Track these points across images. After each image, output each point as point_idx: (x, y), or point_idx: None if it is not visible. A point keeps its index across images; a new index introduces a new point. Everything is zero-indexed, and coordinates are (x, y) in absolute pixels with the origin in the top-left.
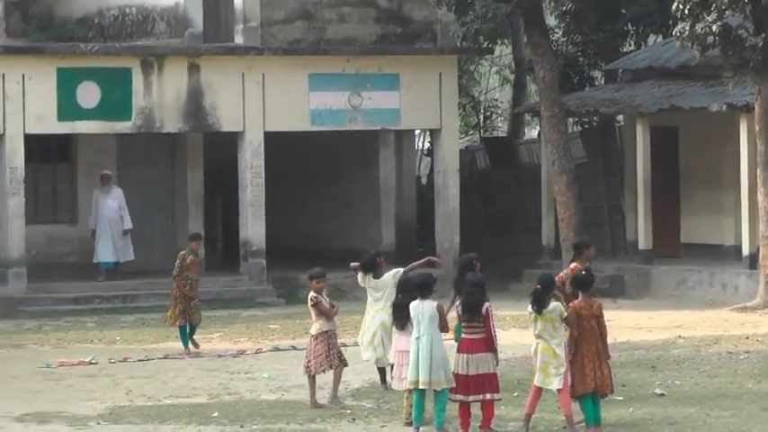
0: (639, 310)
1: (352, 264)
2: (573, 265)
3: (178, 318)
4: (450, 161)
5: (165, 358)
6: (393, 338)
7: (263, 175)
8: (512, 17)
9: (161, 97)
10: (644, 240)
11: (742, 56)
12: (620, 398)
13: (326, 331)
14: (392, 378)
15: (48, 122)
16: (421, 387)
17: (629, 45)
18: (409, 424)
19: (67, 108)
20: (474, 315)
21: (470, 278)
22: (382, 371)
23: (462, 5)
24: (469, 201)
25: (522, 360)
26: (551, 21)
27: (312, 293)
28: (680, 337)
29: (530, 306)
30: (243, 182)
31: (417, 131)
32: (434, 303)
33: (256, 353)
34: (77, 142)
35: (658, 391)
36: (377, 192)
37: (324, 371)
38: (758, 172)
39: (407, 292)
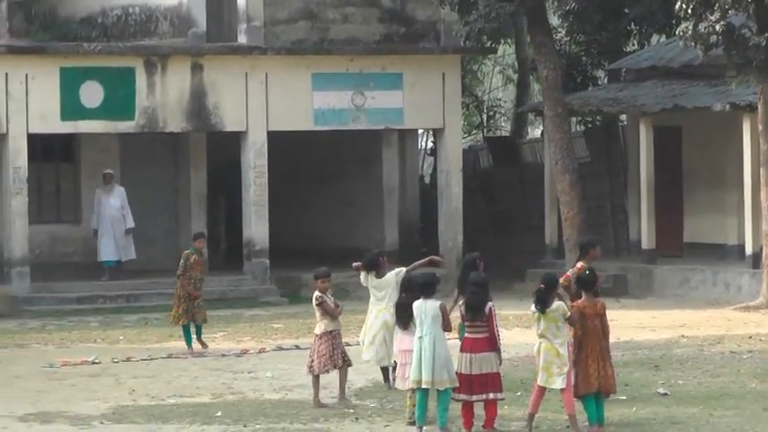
0: (642, 309)
1: (355, 263)
2: (579, 264)
3: (182, 317)
4: (453, 160)
5: (168, 358)
6: (396, 338)
7: (267, 175)
8: (515, 16)
9: (164, 97)
10: (647, 240)
11: (745, 55)
12: (624, 397)
13: (331, 331)
14: (395, 377)
15: (51, 122)
16: (424, 386)
17: (633, 44)
18: (412, 423)
19: (71, 108)
20: (477, 314)
21: (473, 277)
22: (385, 370)
23: (465, 5)
24: (472, 200)
25: (526, 359)
26: (554, 20)
27: (317, 293)
28: (683, 336)
29: (533, 305)
30: (246, 181)
31: (420, 131)
32: (437, 303)
33: (260, 352)
34: (80, 142)
35: (661, 390)
36: (380, 191)
37: (327, 371)
38: (761, 171)
39: (410, 291)
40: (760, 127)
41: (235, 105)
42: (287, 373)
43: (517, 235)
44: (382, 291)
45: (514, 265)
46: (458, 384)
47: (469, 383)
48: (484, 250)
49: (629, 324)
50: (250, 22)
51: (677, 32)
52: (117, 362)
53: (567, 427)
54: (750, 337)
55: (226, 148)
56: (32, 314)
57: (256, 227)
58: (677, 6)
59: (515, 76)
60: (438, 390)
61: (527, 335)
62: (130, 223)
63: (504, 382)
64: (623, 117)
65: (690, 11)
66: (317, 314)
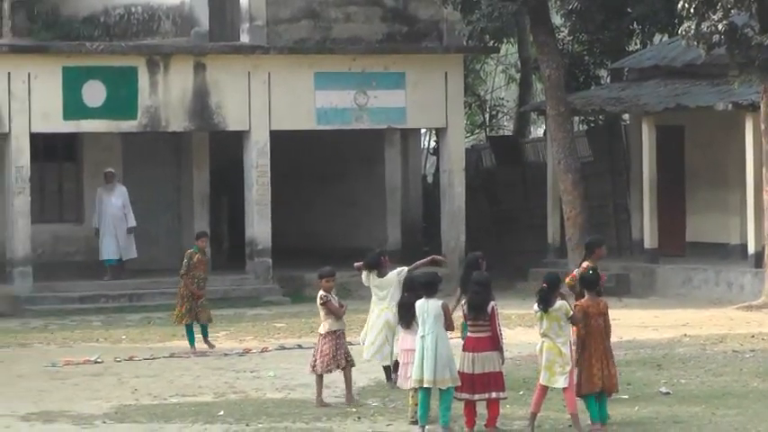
0: (645, 308)
1: (356, 263)
2: (585, 263)
3: (185, 316)
4: (455, 160)
5: (170, 357)
6: (399, 337)
7: (269, 174)
8: (518, 16)
9: (167, 96)
10: (650, 239)
11: (748, 54)
12: (626, 396)
13: (335, 331)
14: (397, 376)
15: (53, 121)
16: (426, 386)
17: (635, 44)
18: (415, 422)
19: (73, 107)
20: (480, 314)
21: (476, 277)
22: (387, 369)
23: (468, 4)
24: (475, 199)
25: (528, 359)
26: (557, 19)
27: (322, 292)
28: (685, 335)
29: (535, 304)
30: (249, 181)
31: (423, 130)
32: (439, 302)
33: (262, 351)
34: (83, 141)
35: (664, 389)
36: (382, 191)
37: (330, 371)
38: (764, 171)
39: (413, 290)
40: (762, 126)
41: (237, 105)
42: (289, 372)
43: (520, 234)
44: (384, 290)
45: (517, 265)
46: (460, 383)
47: (472, 383)
48: (486, 250)
49: (631, 323)
50: (253, 21)
51: (680, 32)
52: (119, 361)
53: (570, 426)
54: (752, 337)
55: (228, 147)
56: (35, 313)
57: (259, 226)
58: (680, 6)
59: (518, 76)
60: (440, 389)
61: (530, 334)
62: (132, 222)
63: (507, 381)
64: (626, 116)
65: (692, 10)
66: (322, 313)
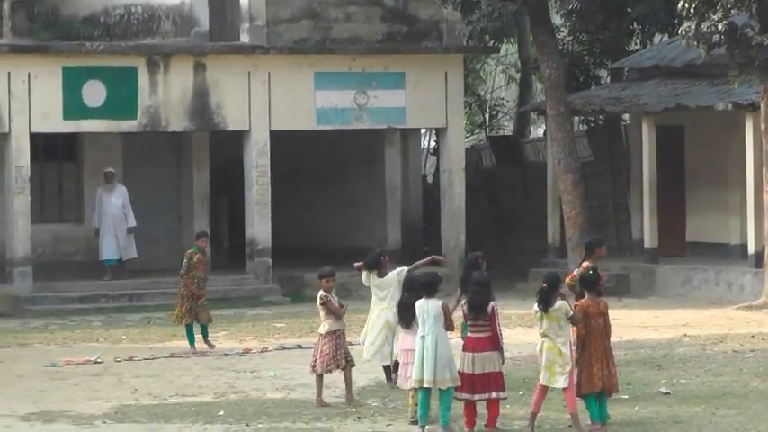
0: (645, 308)
1: (356, 263)
2: (585, 263)
3: (185, 316)
4: (455, 160)
5: (170, 357)
6: (399, 337)
7: (269, 174)
8: (518, 16)
9: (167, 96)
10: (649, 239)
11: (748, 54)
12: (626, 396)
13: (335, 331)
14: (397, 376)
15: (53, 121)
16: (426, 386)
17: (635, 44)
18: (415, 422)
19: (73, 107)
20: (480, 314)
21: (476, 277)
22: (387, 369)
23: (468, 4)
24: (475, 199)
25: (528, 359)
26: (557, 19)
27: (322, 292)
28: (685, 335)
29: (535, 304)
30: (248, 181)
31: (423, 130)
32: (439, 302)
33: (262, 351)
34: (83, 141)
35: (664, 389)
36: (382, 190)
37: (330, 371)
38: (764, 171)
39: (413, 290)
40: (762, 126)
41: (237, 105)
42: (289, 372)
43: (520, 234)
44: (384, 290)
45: (517, 265)
46: (460, 383)
47: (472, 383)
48: (486, 250)
49: (631, 323)
50: (253, 21)
51: (680, 32)
52: (119, 361)
53: (570, 426)
54: (752, 337)
55: (228, 147)
56: (35, 314)
57: (259, 226)
58: (680, 6)
59: (518, 76)
60: (440, 389)
61: (529, 334)
62: (132, 222)
63: (507, 381)
64: (626, 116)
65: (692, 10)
66: (322, 313)
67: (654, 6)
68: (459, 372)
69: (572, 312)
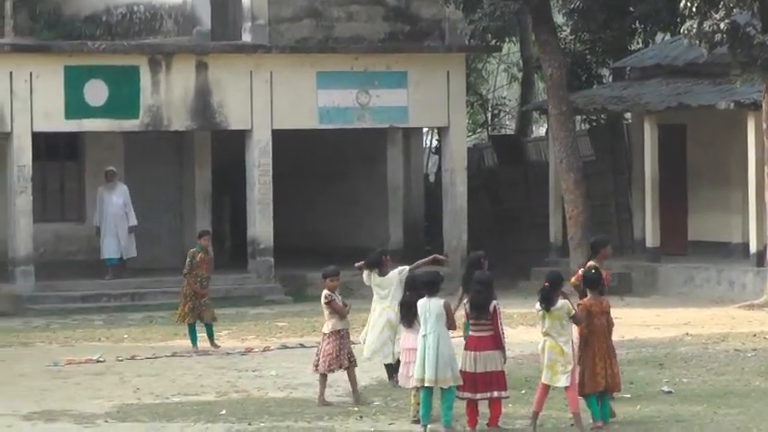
0: (647, 307)
1: (357, 263)
2: (590, 263)
3: (187, 315)
4: (457, 159)
5: (172, 356)
6: (401, 336)
7: (271, 174)
8: (520, 15)
9: (169, 95)
10: (651, 238)
11: (750, 53)
12: (628, 395)
13: (339, 330)
14: (400, 375)
15: (55, 120)
16: (427, 385)
17: (637, 43)
18: (417, 421)
19: (75, 106)
20: (482, 313)
21: (478, 276)
22: (389, 368)
23: (470, 3)
24: (477, 199)
25: (530, 357)
26: (559, 18)
27: (326, 291)
28: (687, 334)
29: (537, 303)
30: (250, 180)
31: (425, 129)
32: (441, 301)
33: (264, 351)
34: (85, 140)
35: (666, 388)
36: (384, 190)
37: (332, 370)
38: (766, 169)
39: (415, 289)
40: (764, 125)
41: (239, 104)
42: (291, 371)
43: (522, 233)
44: (385, 289)
45: (519, 264)
46: (461, 382)
47: (474, 382)
48: (488, 249)
49: (633, 322)
50: (255, 20)
51: (682, 31)
52: (121, 360)
53: (572, 425)
54: (754, 335)
55: (230, 146)
56: (37, 313)
57: (261, 225)
58: (682, 5)
59: (520, 75)
60: (442, 388)
61: (532, 333)
62: (133, 221)
63: (509, 380)
64: (628, 115)
65: (694, 9)
66: (326, 313)
67: (656, 5)
68: (461, 371)
69: (574, 312)
